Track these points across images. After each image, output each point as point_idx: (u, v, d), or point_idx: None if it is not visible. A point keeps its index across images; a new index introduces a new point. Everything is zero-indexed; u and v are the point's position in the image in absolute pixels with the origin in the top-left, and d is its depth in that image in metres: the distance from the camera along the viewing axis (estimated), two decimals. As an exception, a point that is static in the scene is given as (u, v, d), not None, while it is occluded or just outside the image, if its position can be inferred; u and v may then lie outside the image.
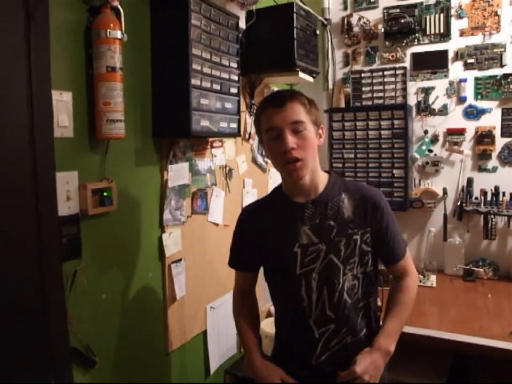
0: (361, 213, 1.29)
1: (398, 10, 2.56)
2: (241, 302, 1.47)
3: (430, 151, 2.56)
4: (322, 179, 1.31)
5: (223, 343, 2.04)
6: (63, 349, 1.23)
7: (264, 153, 2.32)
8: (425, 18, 2.51)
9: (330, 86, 2.75)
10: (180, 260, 1.73)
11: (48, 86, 1.16)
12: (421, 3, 2.51)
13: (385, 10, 2.60)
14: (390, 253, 1.36)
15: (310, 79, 2.18)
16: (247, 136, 2.18)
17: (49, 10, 1.14)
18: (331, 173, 1.36)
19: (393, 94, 2.54)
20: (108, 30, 1.28)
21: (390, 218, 1.33)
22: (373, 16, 2.65)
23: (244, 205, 2.14)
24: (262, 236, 1.34)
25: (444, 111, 2.52)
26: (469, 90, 2.45)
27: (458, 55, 2.46)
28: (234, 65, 1.78)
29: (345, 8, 2.72)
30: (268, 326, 2.03)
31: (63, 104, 1.24)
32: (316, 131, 1.27)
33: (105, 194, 1.36)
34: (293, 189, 1.31)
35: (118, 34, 1.31)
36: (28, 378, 1.13)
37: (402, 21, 2.52)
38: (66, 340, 1.24)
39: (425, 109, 2.55)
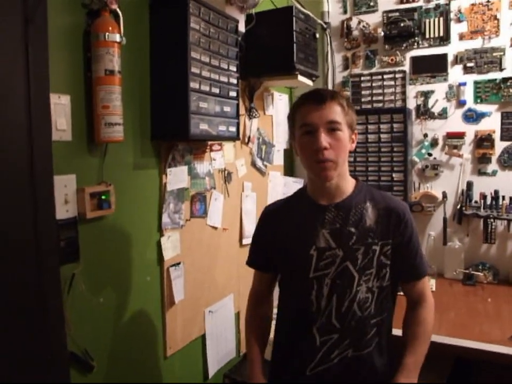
0: (384, 223, 1.26)
1: (397, 14, 2.56)
2: (255, 307, 1.44)
3: (430, 154, 2.55)
4: (349, 184, 1.29)
5: (221, 347, 2.03)
6: (60, 353, 1.22)
7: (263, 156, 2.32)
8: (425, 22, 2.51)
9: (330, 90, 2.76)
10: (178, 264, 1.73)
11: (46, 89, 1.15)
12: (421, 7, 2.51)
13: (384, 14, 2.60)
14: (410, 268, 1.30)
15: (310, 82, 2.18)
16: (246, 139, 2.17)
17: (47, 13, 1.13)
18: (359, 179, 1.34)
19: (392, 97, 2.54)
20: (107, 33, 1.28)
21: (413, 233, 1.29)
22: (373, 19, 2.65)
23: (244, 208, 2.16)
24: (280, 235, 1.33)
25: (443, 114, 2.52)
26: (468, 94, 2.45)
27: (458, 59, 2.46)
28: (234, 68, 1.78)
29: (345, 12, 2.71)
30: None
31: (61, 107, 1.24)
32: (350, 135, 1.25)
33: (103, 197, 1.36)
34: (317, 191, 1.29)
35: (117, 37, 1.31)
36: (26, 381, 1.12)
37: (402, 24, 2.52)
38: (64, 343, 1.23)
39: (424, 112, 2.54)
